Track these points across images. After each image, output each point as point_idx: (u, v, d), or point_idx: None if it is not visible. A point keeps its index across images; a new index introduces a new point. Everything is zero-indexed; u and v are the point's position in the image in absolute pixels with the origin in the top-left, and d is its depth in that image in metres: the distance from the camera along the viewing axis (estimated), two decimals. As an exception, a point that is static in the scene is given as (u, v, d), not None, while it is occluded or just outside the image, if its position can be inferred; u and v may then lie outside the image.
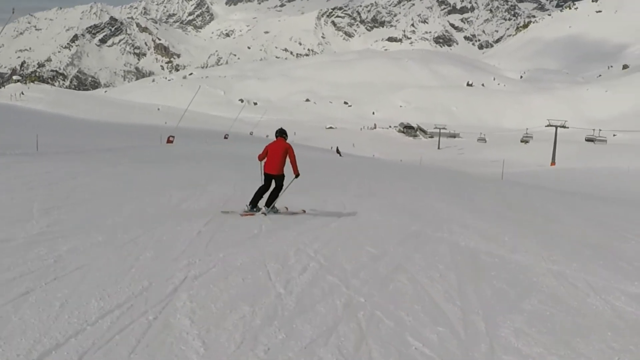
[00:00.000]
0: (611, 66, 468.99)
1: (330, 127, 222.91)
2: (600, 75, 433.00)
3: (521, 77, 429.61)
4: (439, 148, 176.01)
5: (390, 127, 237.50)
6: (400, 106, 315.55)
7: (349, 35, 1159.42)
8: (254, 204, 15.52)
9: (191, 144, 57.73)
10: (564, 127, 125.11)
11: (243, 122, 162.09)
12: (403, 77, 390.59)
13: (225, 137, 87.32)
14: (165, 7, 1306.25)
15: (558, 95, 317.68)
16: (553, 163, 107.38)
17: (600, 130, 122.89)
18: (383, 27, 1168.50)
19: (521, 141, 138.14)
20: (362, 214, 16.89)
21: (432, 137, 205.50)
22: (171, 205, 15.64)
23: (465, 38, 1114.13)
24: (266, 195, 15.77)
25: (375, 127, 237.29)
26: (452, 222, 16.53)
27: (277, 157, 15.65)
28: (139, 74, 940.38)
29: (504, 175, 61.50)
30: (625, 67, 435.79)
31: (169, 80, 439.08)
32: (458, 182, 37.35)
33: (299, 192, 19.08)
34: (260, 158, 16.10)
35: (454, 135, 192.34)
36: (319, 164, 43.22)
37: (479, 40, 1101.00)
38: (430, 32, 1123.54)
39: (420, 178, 39.39)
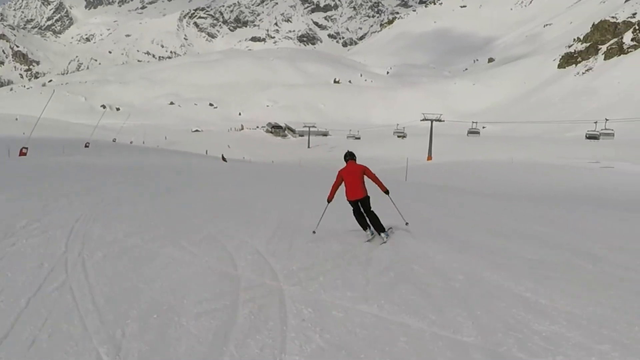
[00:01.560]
0: (477, 60, 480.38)
1: (197, 130, 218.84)
2: (466, 69, 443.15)
3: (388, 72, 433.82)
4: (309, 147, 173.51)
5: (257, 127, 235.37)
6: (267, 106, 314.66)
7: (212, 36, 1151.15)
8: (364, 226, 14.65)
9: (46, 156, 51.78)
10: (439, 120, 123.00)
11: (105, 129, 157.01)
12: (269, 76, 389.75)
13: (86, 146, 79.94)
14: (22, 12, 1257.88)
15: (426, 90, 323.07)
16: (430, 157, 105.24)
17: (476, 123, 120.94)
18: (246, 27, 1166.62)
19: (398, 136, 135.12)
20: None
21: (302, 135, 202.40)
22: None
23: (330, 36, 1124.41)
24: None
25: (242, 128, 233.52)
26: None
27: (358, 180, 14.44)
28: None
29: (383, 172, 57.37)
30: (490, 60, 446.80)
31: (27, 88, 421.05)
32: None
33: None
34: (334, 192, 14.85)
35: (324, 134, 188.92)
36: (215, 174, 40.07)
37: (343, 37, 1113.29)
38: (294, 31, 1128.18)
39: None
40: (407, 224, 15.67)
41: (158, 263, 10.88)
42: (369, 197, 14.40)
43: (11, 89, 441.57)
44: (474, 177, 55.26)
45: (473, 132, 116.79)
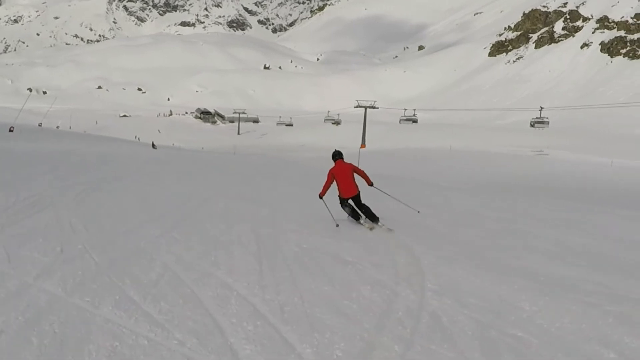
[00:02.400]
0: (407, 47, 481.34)
1: (125, 115, 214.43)
2: (396, 57, 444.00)
3: (318, 59, 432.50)
4: (239, 133, 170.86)
5: (186, 113, 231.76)
6: (197, 91, 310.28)
7: (141, 20, 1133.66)
8: (357, 217, 15.08)
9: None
10: (373, 107, 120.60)
11: (32, 113, 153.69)
12: (198, 61, 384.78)
13: (11, 130, 75.92)
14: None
15: (357, 77, 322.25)
16: (363, 145, 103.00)
17: (414, 110, 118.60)
18: (176, 11, 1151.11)
19: (332, 123, 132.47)
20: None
21: (232, 122, 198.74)
22: None
23: (259, 22, 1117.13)
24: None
25: (171, 114, 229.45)
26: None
27: (350, 178, 15.12)
28: None
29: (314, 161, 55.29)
30: (421, 47, 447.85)
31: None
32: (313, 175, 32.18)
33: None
34: (326, 189, 15.33)
35: (255, 120, 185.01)
36: (149, 164, 37.41)
37: (273, 24, 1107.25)
38: (223, 16, 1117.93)
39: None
40: (419, 212, 16.43)
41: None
42: (360, 192, 15.12)
43: None
44: (421, 166, 52.84)
45: (407, 119, 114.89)
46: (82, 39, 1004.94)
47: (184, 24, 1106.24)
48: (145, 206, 16.76)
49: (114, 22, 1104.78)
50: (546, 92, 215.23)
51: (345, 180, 14.95)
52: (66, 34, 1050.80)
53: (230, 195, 20.88)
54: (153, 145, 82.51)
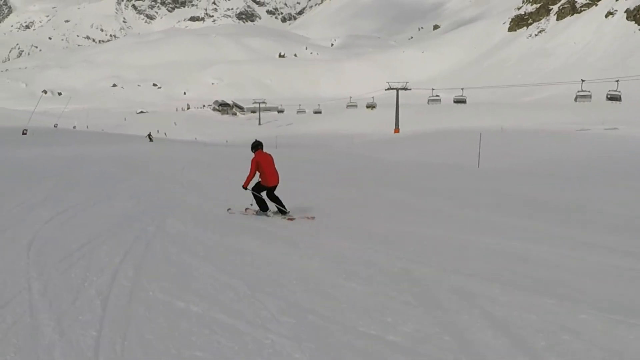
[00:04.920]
0: (422, 27, 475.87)
1: (142, 112, 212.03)
2: (411, 38, 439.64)
3: (332, 44, 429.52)
4: (260, 124, 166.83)
5: (204, 106, 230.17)
6: (212, 84, 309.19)
7: (151, 17, 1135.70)
8: (266, 208, 15.60)
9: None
10: (406, 89, 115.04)
11: (48, 115, 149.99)
12: (212, 53, 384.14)
13: (24, 133, 74.99)
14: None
15: (373, 60, 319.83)
16: (397, 130, 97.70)
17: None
18: (184, 6, 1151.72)
19: (368, 107, 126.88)
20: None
21: (254, 112, 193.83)
22: None
23: (268, 12, 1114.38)
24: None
25: (188, 108, 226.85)
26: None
27: (274, 168, 15.67)
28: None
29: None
30: (436, 27, 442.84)
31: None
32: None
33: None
34: (250, 179, 15.42)
35: (281, 110, 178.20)
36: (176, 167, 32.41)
37: (282, 13, 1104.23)
38: (232, 9, 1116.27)
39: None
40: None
41: None
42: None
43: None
44: (491, 151, 45.39)
45: (434, 99, 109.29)
46: (93, 40, 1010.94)
47: (193, 18, 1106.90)
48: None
49: (124, 22, 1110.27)
50: (573, 65, 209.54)
51: (270, 169, 15.51)
52: (78, 36, 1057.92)
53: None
54: (149, 138, 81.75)
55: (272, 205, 15.59)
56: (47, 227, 13.36)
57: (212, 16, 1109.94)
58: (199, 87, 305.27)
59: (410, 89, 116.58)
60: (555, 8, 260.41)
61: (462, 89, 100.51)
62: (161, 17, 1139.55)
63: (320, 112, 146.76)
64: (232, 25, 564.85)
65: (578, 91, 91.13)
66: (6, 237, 12.24)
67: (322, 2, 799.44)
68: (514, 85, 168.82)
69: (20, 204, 16.79)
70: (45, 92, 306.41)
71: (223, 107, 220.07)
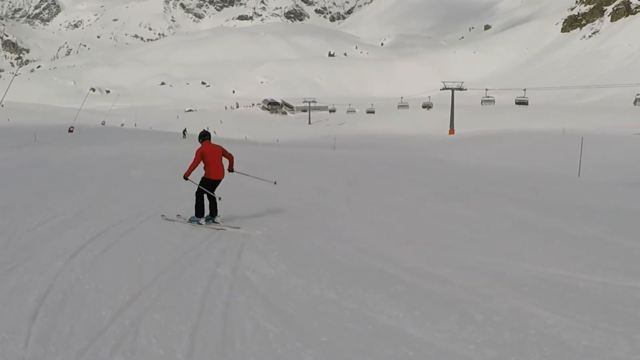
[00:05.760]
0: (472, 27, 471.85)
1: (190, 110, 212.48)
2: (462, 38, 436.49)
3: (382, 44, 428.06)
4: (309, 123, 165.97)
5: (253, 104, 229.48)
6: (262, 82, 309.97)
7: (199, 16, 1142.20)
8: (203, 212, 14.77)
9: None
10: (461, 89, 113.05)
11: (96, 113, 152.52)
12: (261, 52, 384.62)
13: (70, 131, 75.45)
14: (10, 2, 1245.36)
15: (424, 60, 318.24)
16: (452, 131, 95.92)
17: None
18: (233, 5, 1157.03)
19: (423, 107, 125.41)
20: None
21: (304, 111, 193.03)
22: None
23: (316, 11, 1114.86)
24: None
25: (237, 106, 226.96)
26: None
27: (220, 161, 15.13)
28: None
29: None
30: (487, 27, 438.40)
31: (15, 75, 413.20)
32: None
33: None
34: (192, 170, 14.70)
35: (332, 110, 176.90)
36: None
37: (330, 12, 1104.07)
38: (280, 8, 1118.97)
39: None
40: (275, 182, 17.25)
41: None
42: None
43: None
44: (560, 156, 42.90)
45: (487, 100, 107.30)
46: (141, 39, 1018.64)
47: (241, 17, 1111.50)
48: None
49: (172, 21, 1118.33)
50: (627, 68, 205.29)
51: (216, 162, 15.01)
52: (126, 34, 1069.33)
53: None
54: (184, 134, 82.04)
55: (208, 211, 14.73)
56: (72, 266, 9.82)
57: (261, 15, 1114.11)
58: (247, 85, 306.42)
59: (465, 89, 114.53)
60: (609, 9, 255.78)
61: (525, 89, 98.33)
62: (209, 16, 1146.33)
63: (373, 112, 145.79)
64: (281, 23, 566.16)
65: (637, 94, 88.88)
66: (8, 287, 8.65)
67: (371, 1, 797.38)
68: (569, 87, 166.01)
69: (46, 220, 13.79)
70: (93, 89, 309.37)
71: (272, 105, 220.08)
